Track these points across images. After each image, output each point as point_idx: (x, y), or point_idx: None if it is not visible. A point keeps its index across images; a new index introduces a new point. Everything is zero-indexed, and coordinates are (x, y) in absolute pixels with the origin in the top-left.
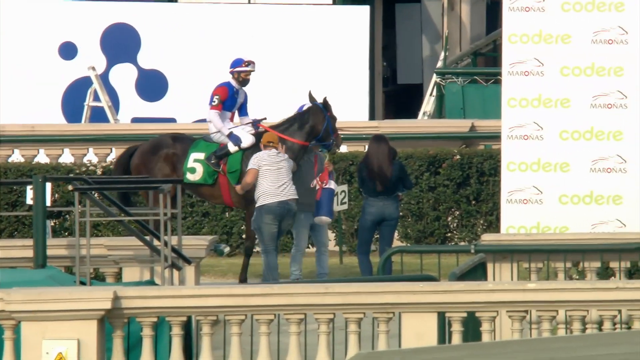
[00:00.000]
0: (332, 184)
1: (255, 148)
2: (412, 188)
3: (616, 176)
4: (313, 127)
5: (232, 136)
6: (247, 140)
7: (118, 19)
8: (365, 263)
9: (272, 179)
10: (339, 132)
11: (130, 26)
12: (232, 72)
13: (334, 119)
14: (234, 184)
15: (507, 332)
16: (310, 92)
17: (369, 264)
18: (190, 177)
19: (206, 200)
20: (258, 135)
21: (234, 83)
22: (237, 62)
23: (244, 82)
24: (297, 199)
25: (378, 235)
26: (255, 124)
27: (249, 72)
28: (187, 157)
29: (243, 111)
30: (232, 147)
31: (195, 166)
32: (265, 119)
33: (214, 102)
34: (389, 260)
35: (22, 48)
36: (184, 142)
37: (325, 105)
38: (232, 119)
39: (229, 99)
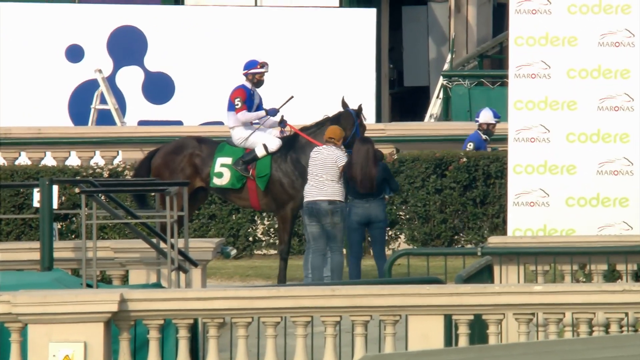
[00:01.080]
0: None
1: (282, 151)
2: (398, 190)
3: (623, 179)
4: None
5: (270, 111)
6: (274, 144)
7: (125, 21)
8: (355, 268)
9: (311, 178)
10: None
11: (136, 29)
12: (246, 74)
13: (363, 127)
14: (263, 189)
15: (513, 335)
16: (343, 98)
17: (358, 270)
18: (217, 181)
19: (232, 202)
20: (285, 139)
21: (248, 85)
22: (251, 64)
23: (259, 83)
24: (333, 200)
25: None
26: (284, 124)
27: (263, 74)
28: (214, 161)
29: (260, 109)
30: (260, 152)
31: (222, 171)
32: (292, 97)
33: (237, 105)
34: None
35: (28, 51)
36: (209, 145)
37: (357, 112)
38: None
39: (247, 101)
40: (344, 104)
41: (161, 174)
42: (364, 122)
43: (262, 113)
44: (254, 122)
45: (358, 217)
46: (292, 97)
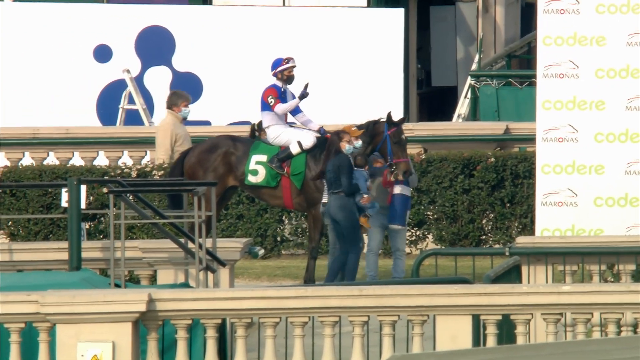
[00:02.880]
0: (405, 190)
1: (317, 150)
2: (347, 190)
3: None
4: (370, 141)
5: (301, 96)
6: (309, 140)
7: (153, 21)
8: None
9: None
10: (406, 160)
11: (164, 29)
12: (275, 74)
13: (395, 141)
14: (299, 187)
15: (541, 335)
16: (389, 112)
17: (353, 265)
18: (252, 179)
19: (264, 201)
20: (321, 139)
21: (279, 84)
22: (277, 63)
23: (289, 79)
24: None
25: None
26: (323, 134)
27: (292, 68)
28: (249, 159)
29: (297, 111)
30: (294, 149)
31: (257, 168)
32: (308, 83)
33: (271, 102)
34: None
35: (57, 51)
36: (244, 143)
37: (389, 123)
38: (285, 120)
39: (280, 99)
40: (389, 118)
41: (195, 172)
42: (402, 137)
43: (296, 101)
44: (290, 122)
45: (325, 215)
46: (307, 83)
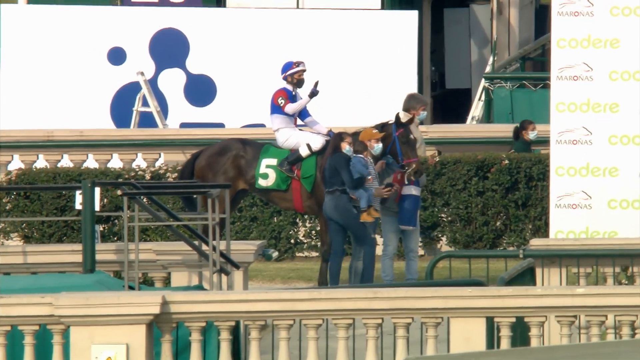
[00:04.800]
0: (415, 190)
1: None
2: (350, 185)
3: None
4: (381, 142)
5: (310, 94)
6: (318, 143)
7: (167, 24)
8: (334, 267)
9: None
10: (416, 160)
11: (178, 31)
12: (285, 77)
13: (404, 142)
14: (309, 190)
15: (555, 337)
16: (397, 113)
17: (337, 270)
18: (262, 182)
19: (275, 204)
20: (329, 142)
21: (289, 87)
22: (288, 66)
23: (299, 83)
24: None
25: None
26: (332, 135)
27: (302, 72)
28: (259, 162)
29: (305, 114)
30: (304, 152)
31: (267, 172)
32: (318, 81)
33: (281, 103)
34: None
35: (71, 53)
36: (253, 147)
37: (397, 123)
38: (295, 124)
39: (290, 101)
40: (397, 118)
41: (204, 175)
42: (410, 136)
43: (305, 99)
44: (299, 125)
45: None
46: (317, 81)
